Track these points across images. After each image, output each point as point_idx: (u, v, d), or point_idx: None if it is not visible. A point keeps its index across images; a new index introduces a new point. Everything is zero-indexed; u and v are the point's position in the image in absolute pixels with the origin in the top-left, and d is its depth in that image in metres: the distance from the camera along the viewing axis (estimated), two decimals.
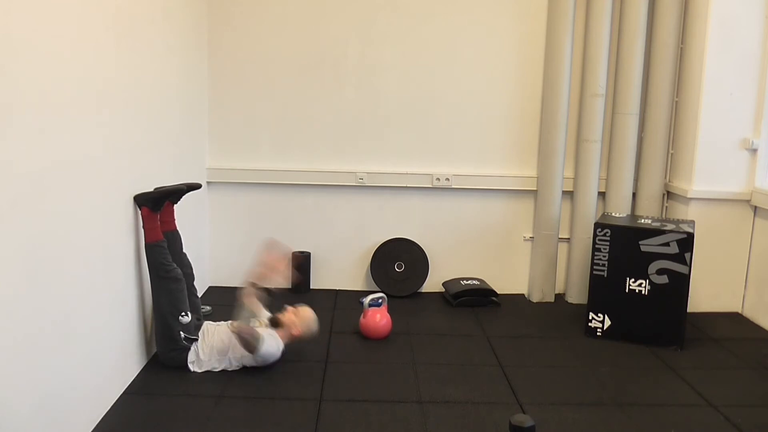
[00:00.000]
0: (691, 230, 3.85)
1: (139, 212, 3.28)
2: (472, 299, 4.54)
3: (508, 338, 4.01)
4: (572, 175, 4.69)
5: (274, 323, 3.56)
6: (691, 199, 4.38)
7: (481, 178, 4.71)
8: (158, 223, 3.35)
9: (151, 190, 3.37)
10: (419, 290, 4.80)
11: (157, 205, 3.32)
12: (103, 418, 2.88)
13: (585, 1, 4.50)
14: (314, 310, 4.38)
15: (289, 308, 3.62)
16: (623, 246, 3.91)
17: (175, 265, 3.37)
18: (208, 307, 4.20)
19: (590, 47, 4.45)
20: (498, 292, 4.63)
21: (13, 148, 2.16)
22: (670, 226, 3.92)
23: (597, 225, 3.98)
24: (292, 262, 4.65)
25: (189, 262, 3.65)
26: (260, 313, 3.65)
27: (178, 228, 3.60)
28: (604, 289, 3.98)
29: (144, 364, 3.42)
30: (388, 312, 3.98)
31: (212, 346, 3.38)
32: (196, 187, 3.66)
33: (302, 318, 3.59)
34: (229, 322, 3.52)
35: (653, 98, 4.50)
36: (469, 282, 4.67)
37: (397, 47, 4.59)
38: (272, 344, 3.39)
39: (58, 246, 2.47)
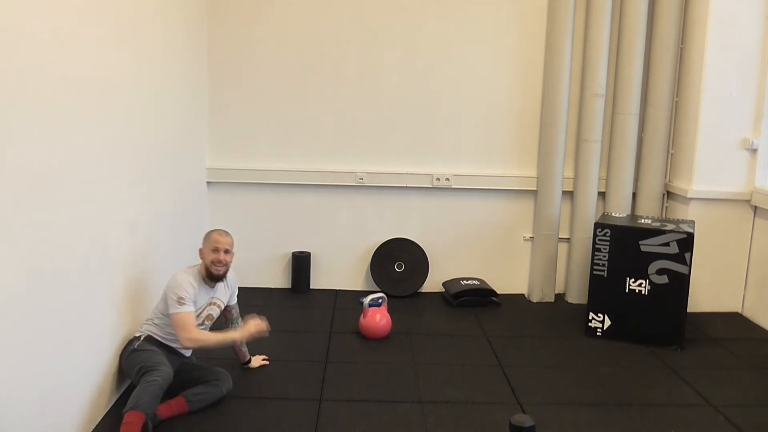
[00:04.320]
0: (691, 230, 3.85)
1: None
2: (472, 299, 4.54)
3: (508, 338, 4.00)
4: (572, 175, 4.69)
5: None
6: (691, 199, 4.38)
7: (481, 178, 4.71)
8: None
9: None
10: (419, 290, 4.79)
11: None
12: (103, 419, 2.88)
13: (585, 1, 4.50)
14: (314, 310, 4.38)
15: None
16: (623, 246, 3.91)
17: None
18: None
19: (590, 47, 4.45)
20: (498, 292, 4.63)
21: (13, 149, 2.16)
22: (670, 226, 3.92)
23: (597, 225, 3.98)
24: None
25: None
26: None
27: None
28: (604, 289, 3.98)
29: None
30: (388, 312, 3.98)
31: None
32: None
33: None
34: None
35: (653, 98, 4.50)
36: (469, 282, 4.66)
37: (397, 47, 4.58)
38: None
39: (58, 246, 2.47)
